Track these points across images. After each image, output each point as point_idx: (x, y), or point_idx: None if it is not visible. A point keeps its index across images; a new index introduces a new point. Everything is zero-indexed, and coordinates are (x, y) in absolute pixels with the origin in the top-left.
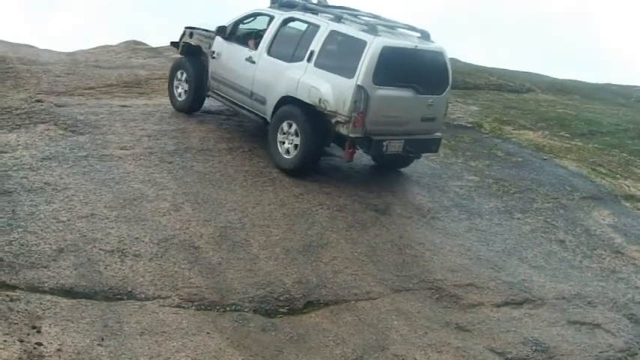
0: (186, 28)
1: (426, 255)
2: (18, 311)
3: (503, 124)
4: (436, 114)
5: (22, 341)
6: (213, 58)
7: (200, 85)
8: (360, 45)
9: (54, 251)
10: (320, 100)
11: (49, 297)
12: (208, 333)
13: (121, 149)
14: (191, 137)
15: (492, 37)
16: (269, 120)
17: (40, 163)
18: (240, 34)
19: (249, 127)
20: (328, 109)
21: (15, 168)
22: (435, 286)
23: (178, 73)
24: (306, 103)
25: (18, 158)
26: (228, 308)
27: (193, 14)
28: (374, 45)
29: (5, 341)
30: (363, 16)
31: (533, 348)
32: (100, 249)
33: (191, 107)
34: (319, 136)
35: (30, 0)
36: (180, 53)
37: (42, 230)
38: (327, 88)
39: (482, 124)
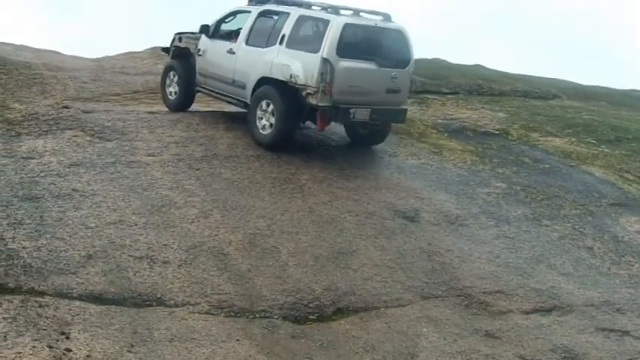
0: (176, 34)
1: (454, 262)
2: (47, 317)
3: (530, 130)
4: (400, 86)
5: (51, 347)
6: (199, 55)
7: (189, 83)
8: (324, 23)
9: (82, 257)
10: (291, 75)
11: (78, 303)
12: (238, 340)
13: (149, 156)
14: (219, 144)
15: (517, 43)
16: (249, 102)
17: (68, 170)
18: (222, 31)
19: None
20: (299, 82)
21: (42, 174)
22: (464, 293)
23: (170, 74)
24: (281, 82)
25: (45, 164)
26: (257, 315)
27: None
28: (336, 22)
29: (34, 347)
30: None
31: (562, 355)
32: (129, 255)
33: (182, 104)
34: (293, 114)
35: (53, 5)
36: (172, 57)
37: (70, 236)
38: (297, 65)
39: (509, 131)
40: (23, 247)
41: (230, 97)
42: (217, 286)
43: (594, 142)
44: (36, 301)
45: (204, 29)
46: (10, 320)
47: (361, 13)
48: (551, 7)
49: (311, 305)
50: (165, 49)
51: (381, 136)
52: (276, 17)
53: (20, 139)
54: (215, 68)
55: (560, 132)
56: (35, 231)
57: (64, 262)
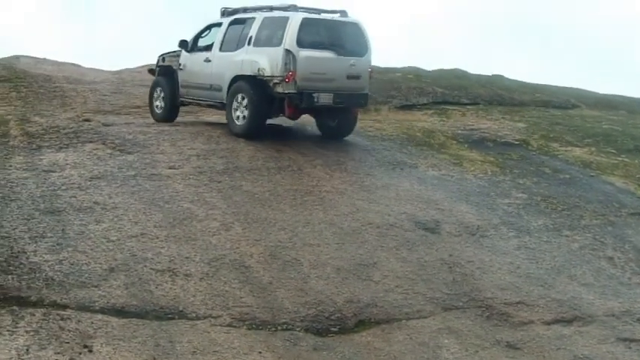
0: (160, 55)
1: (475, 273)
2: (69, 330)
3: (550, 140)
4: (360, 73)
5: None
6: (181, 69)
7: (173, 96)
8: (285, 20)
9: (104, 270)
10: (259, 69)
11: (100, 316)
12: (260, 352)
13: (170, 168)
14: (240, 156)
15: (535, 52)
16: (225, 102)
17: (89, 183)
18: (199, 45)
19: (298, 146)
20: (266, 74)
21: (64, 187)
22: (485, 304)
23: (157, 90)
24: (251, 77)
25: (67, 177)
26: (279, 327)
27: None
28: (295, 18)
29: None
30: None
31: None
32: (150, 268)
33: (168, 117)
34: (264, 105)
35: (72, 18)
36: (157, 75)
37: (92, 249)
38: (264, 59)
39: (529, 141)
40: (45, 261)
41: (209, 101)
42: (239, 299)
43: (614, 151)
44: (58, 315)
45: (183, 44)
46: (32, 333)
47: (321, 12)
48: (571, 15)
49: (333, 317)
50: (151, 70)
51: (349, 127)
52: (244, 24)
53: (41, 153)
54: (195, 78)
55: (580, 142)
56: (57, 244)
57: (86, 275)
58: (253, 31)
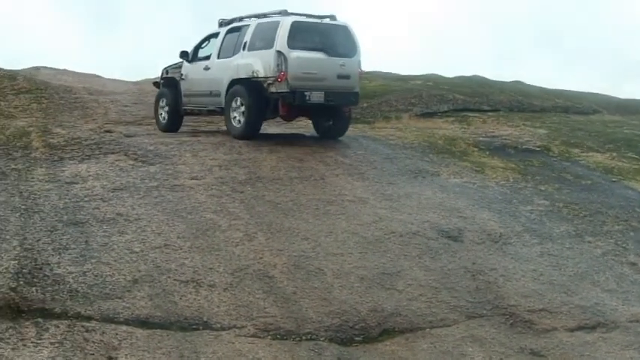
0: (163, 68)
1: (499, 281)
2: (94, 342)
3: (571, 146)
4: (350, 73)
5: None
6: (183, 80)
7: (177, 106)
8: (276, 24)
9: (128, 282)
10: (253, 71)
11: (124, 327)
12: None
13: (192, 179)
14: (262, 166)
15: (555, 57)
16: (224, 106)
17: (112, 194)
18: (200, 55)
19: (320, 156)
20: (260, 76)
21: (86, 199)
22: (509, 311)
23: (161, 101)
24: (247, 80)
25: (89, 189)
26: (304, 337)
27: None
28: (285, 21)
29: None
30: None
31: None
32: (174, 279)
33: (172, 126)
34: (259, 107)
35: (90, 27)
36: (162, 87)
37: (116, 261)
38: (257, 62)
39: (550, 148)
40: (69, 272)
41: (210, 106)
42: (263, 309)
43: (636, 156)
44: (82, 326)
45: (184, 55)
46: (57, 345)
47: (311, 17)
48: (590, 18)
49: (357, 327)
50: (156, 83)
51: (343, 127)
52: (239, 31)
53: (63, 164)
54: (196, 86)
55: (602, 147)
56: (80, 256)
57: (110, 286)
58: (248, 37)
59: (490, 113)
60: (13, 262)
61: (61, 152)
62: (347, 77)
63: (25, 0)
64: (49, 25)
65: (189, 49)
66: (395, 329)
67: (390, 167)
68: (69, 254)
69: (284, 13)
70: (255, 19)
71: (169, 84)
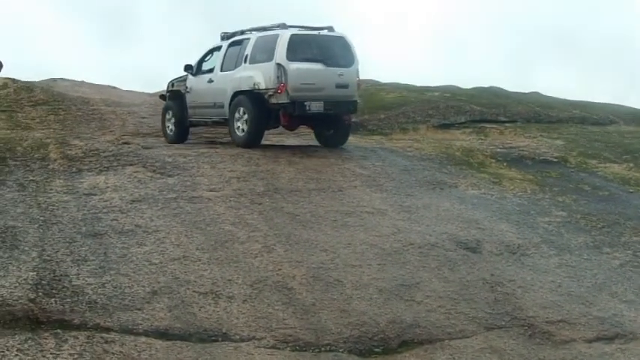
0: (169, 82)
1: (517, 292)
2: (113, 353)
3: (589, 157)
4: (348, 82)
5: None
6: (188, 92)
7: (183, 119)
8: (276, 37)
9: (147, 293)
10: (254, 84)
11: (143, 339)
12: None
13: (211, 191)
14: (280, 178)
15: (571, 67)
16: (227, 117)
17: (130, 205)
18: (203, 68)
19: (338, 167)
20: (262, 88)
21: (105, 210)
22: (528, 323)
23: (167, 114)
24: (249, 92)
25: (107, 200)
26: (323, 349)
27: None
28: (284, 34)
29: None
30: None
31: None
32: (193, 291)
33: (179, 138)
34: (261, 118)
35: (107, 38)
36: (168, 100)
37: (134, 272)
38: (258, 74)
39: (567, 159)
40: (88, 284)
41: (214, 117)
42: (282, 321)
43: None
44: (102, 337)
45: (188, 68)
46: (76, 356)
47: (309, 29)
48: (607, 29)
49: (376, 338)
50: (162, 96)
51: (344, 136)
52: (241, 45)
53: (81, 176)
54: (200, 98)
55: (619, 158)
56: (99, 267)
57: (129, 298)
58: (249, 50)
59: (507, 124)
60: (31, 273)
61: (79, 164)
62: (345, 86)
63: (43, 12)
64: (66, 36)
65: (194, 62)
66: (414, 341)
67: (408, 179)
68: (88, 265)
69: (283, 26)
70: (255, 32)
71: (175, 97)
